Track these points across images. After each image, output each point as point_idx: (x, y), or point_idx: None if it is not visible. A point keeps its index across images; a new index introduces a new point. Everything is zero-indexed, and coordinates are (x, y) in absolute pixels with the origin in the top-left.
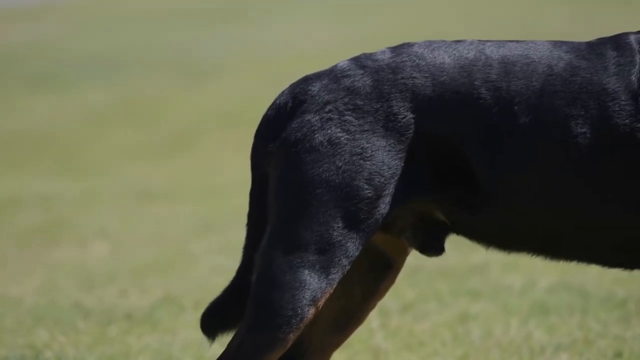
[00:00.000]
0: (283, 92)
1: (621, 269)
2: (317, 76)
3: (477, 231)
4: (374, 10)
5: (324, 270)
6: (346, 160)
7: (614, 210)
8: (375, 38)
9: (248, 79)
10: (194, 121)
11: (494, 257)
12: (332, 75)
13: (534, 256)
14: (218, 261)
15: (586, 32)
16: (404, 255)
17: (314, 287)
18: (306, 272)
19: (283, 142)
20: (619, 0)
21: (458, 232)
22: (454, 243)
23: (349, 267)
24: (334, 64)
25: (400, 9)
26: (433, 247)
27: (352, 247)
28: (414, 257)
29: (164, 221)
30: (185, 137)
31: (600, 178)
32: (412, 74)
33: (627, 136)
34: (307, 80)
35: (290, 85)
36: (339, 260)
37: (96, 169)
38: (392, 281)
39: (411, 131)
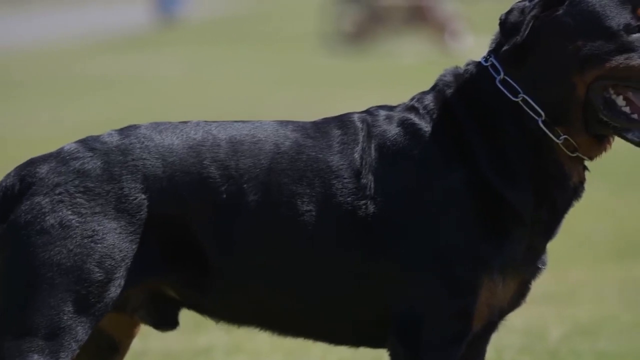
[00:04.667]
0: (9, 174)
1: (346, 346)
2: (44, 159)
3: (208, 308)
4: (95, 94)
5: (54, 354)
6: (77, 244)
7: (336, 288)
8: (97, 121)
9: None
10: None
11: (219, 341)
12: (60, 157)
13: (262, 330)
14: None
15: (309, 115)
16: (130, 338)
17: None
18: (35, 356)
19: (12, 224)
20: (344, 82)
21: (189, 308)
22: (179, 327)
23: (78, 350)
24: (56, 148)
25: (120, 91)
26: (166, 323)
27: (82, 331)
28: (139, 340)
29: None
30: None
31: (323, 256)
32: (142, 155)
33: (349, 214)
34: (33, 162)
35: (16, 168)
36: (69, 344)
37: None
38: None
39: (143, 212)
